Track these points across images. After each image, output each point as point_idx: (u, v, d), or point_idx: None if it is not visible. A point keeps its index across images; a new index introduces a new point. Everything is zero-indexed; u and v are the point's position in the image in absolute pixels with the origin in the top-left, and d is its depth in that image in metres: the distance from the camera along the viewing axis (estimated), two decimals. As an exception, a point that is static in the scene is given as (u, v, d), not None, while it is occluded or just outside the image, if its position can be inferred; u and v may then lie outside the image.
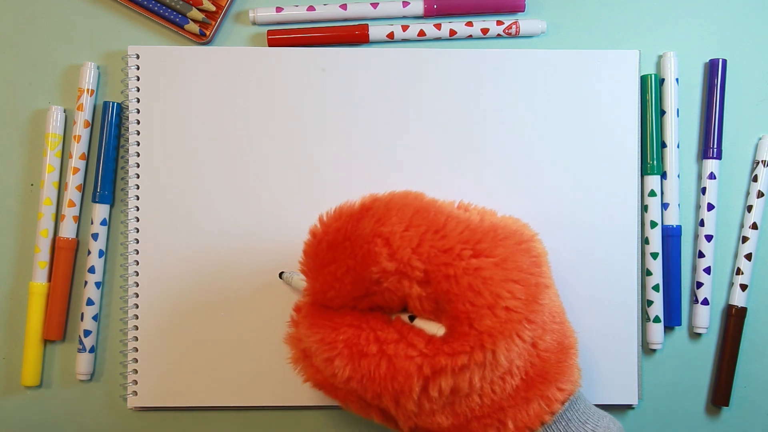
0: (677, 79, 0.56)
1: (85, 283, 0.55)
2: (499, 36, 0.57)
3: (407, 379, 0.41)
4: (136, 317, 0.54)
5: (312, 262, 0.44)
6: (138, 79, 0.55)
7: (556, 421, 0.43)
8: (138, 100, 0.55)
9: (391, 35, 0.56)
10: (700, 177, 0.57)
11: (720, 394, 0.56)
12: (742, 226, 0.57)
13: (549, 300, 0.44)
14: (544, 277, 0.43)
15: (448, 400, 0.42)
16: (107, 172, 0.55)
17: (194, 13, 0.56)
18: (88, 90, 0.55)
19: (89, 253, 0.55)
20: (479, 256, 0.41)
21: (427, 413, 0.42)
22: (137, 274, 0.54)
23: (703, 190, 0.56)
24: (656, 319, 0.55)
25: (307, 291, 0.45)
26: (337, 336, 0.42)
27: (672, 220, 0.56)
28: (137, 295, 0.54)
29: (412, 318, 0.43)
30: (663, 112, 0.56)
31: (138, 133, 0.55)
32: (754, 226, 0.56)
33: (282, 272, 0.54)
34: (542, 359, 0.43)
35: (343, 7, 0.56)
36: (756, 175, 0.56)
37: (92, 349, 0.55)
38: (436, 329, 0.42)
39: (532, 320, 0.41)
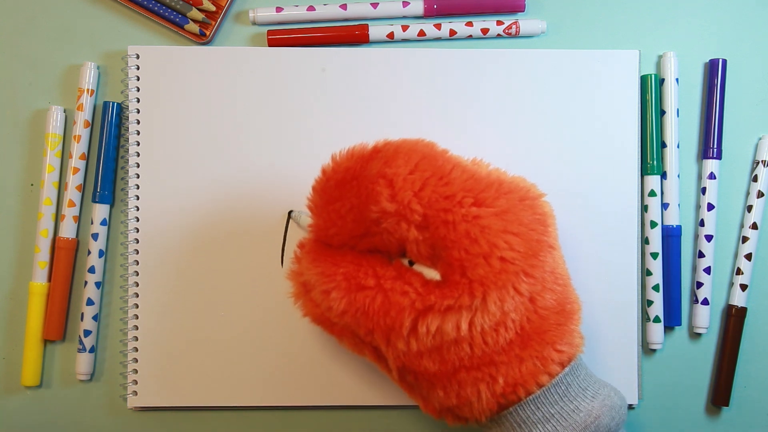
0: (677, 79, 0.56)
1: (85, 283, 0.55)
2: (499, 36, 0.57)
3: (399, 313, 0.41)
4: (136, 317, 0.54)
5: (319, 198, 0.45)
6: (138, 79, 0.55)
7: (555, 384, 0.43)
8: (138, 100, 0.55)
9: (391, 35, 0.56)
10: (700, 177, 0.57)
11: (720, 394, 0.56)
12: (742, 226, 0.57)
13: (552, 260, 0.44)
14: (547, 236, 0.43)
15: (436, 344, 0.42)
16: (107, 172, 0.55)
17: (194, 13, 0.56)
18: (88, 90, 0.55)
19: (89, 253, 0.55)
20: (480, 205, 0.42)
21: (415, 354, 0.43)
22: (137, 274, 0.54)
23: (703, 190, 0.56)
24: (656, 319, 0.55)
25: (312, 228, 0.46)
26: (336, 269, 0.43)
27: (672, 220, 0.56)
28: (137, 295, 0.54)
29: (410, 263, 0.44)
30: (663, 112, 0.56)
31: (138, 133, 0.55)
32: (754, 226, 0.56)
33: (291, 211, 0.54)
34: (540, 317, 0.43)
35: (343, 7, 0.56)
36: (756, 175, 0.56)
37: (92, 349, 0.55)
38: (433, 275, 0.43)
39: (531, 274, 0.42)
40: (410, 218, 0.42)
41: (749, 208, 0.56)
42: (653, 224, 0.55)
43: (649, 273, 0.55)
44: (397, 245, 0.43)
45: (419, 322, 0.41)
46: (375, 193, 0.42)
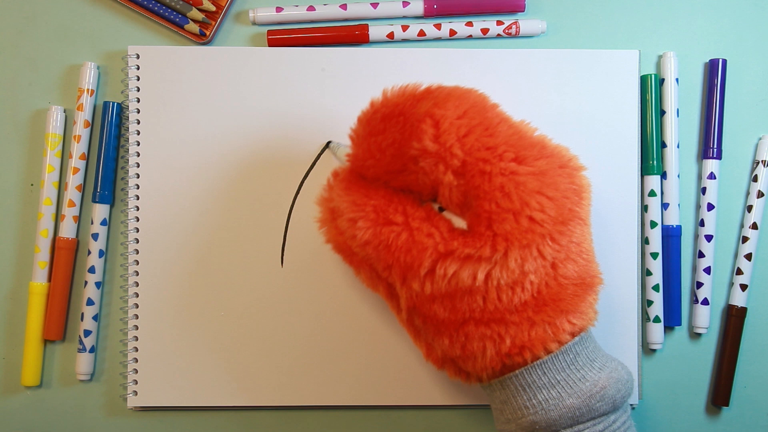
0: (677, 79, 0.56)
1: (85, 283, 0.55)
2: (499, 36, 0.57)
3: (420, 253, 0.42)
4: (136, 317, 0.54)
5: (362, 128, 0.45)
6: (138, 79, 0.55)
7: (563, 352, 0.43)
8: (138, 100, 0.55)
9: (391, 35, 0.56)
10: (700, 177, 0.57)
11: (720, 394, 0.56)
12: (742, 226, 0.57)
13: (580, 232, 0.43)
14: (580, 207, 0.43)
15: (450, 290, 0.42)
16: (107, 172, 0.55)
17: (194, 13, 0.56)
18: (88, 90, 0.55)
19: (89, 253, 0.55)
20: (520, 162, 0.42)
21: (427, 297, 0.43)
22: (137, 274, 0.54)
23: (703, 190, 0.56)
24: (656, 319, 0.55)
25: (349, 157, 0.46)
26: (368, 201, 0.44)
27: (672, 220, 0.56)
28: (137, 295, 0.54)
29: (440, 210, 0.45)
30: (663, 112, 0.56)
31: (138, 133, 0.55)
32: (754, 226, 0.56)
33: (330, 141, 0.54)
34: (559, 284, 0.43)
35: (343, 7, 0.56)
36: (756, 175, 0.56)
37: (92, 349, 0.55)
38: (460, 224, 0.43)
39: (557, 240, 0.42)
40: (449, 162, 0.42)
41: (749, 208, 0.56)
42: (653, 224, 0.55)
43: (649, 273, 0.55)
44: (429, 187, 0.44)
45: (438, 264, 0.42)
46: (420, 130, 0.42)
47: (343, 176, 0.46)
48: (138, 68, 0.55)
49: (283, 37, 0.56)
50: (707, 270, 0.56)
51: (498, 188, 0.41)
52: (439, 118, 0.42)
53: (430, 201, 0.45)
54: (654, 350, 0.56)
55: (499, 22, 0.56)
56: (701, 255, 0.56)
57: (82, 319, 0.55)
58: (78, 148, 0.55)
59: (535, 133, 0.44)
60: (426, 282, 0.42)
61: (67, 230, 0.55)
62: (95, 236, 0.55)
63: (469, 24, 0.56)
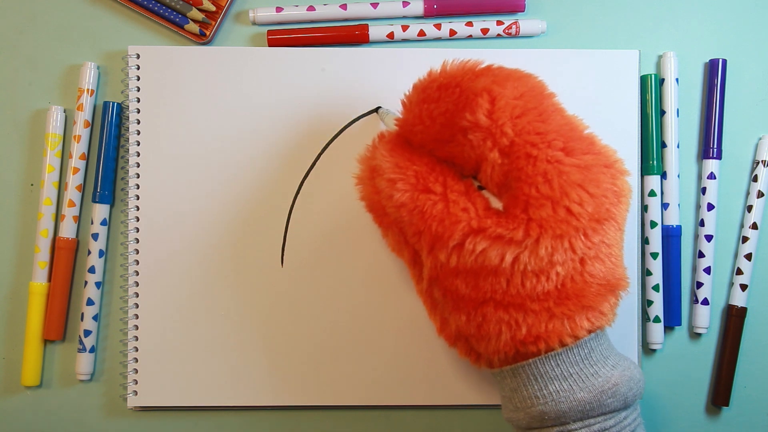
0: (677, 79, 0.56)
1: (85, 283, 0.55)
2: (499, 36, 0.57)
3: (453, 224, 0.42)
4: (136, 317, 0.54)
5: (417, 95, 0.45)
6: (138, 79, 0.55)
7: (578, 346, 0.43)
8: (138, 100, 0.55)
9: (391, 35, 0.56)
10: (700, 177, 0.57)
11: (720, 394, 0.56)
12: (742, 226, 0.57)
13: (613, 235, 0.43)
14: (617, 210, 0.43)
15: (476, 266, 0.42)
16: (107, 172, 0.55)
17: (194, 13, 0.56)
18: (88, 90, 0.55)
19: (89, 253, 0.55)
20: (567, 153, 0.42)
21: (451, 270, 0.43)
22: (137, 274, 0.54)
23: (703, 190, 0.56)
24: (656, 319, 0.55)
25: (399, 121, 0.47)
26: (410, 165, 0.44)
27: (672, 220, 0.56)
28: (137, 295, 0.54)
29: (480, 188, 0.45)
30: (663, 112, 0.56)
31: (138, 133, 0.55)
32: (754, 226, 0.56)
33: (379, 107, 0.54)
34: (585, 281, 0.42)
35: (343, 7, 0.56)
36: (756, 175, 0.56)
37: (92, 349, 0.55)
38: (497, 205, 0.43)
39: (589, 237, 0.41)
40: (498, 139, 0.42)
41: (749, 208, 0.56)
42: (653, 224, 0.55)
43: (649, 273, 0.55)
44: (473, 162, 0.44)
45: (468, 239, 0.42)
46: (475, 103, 0.42)
47: (389, 138, 0.47)
48: (138, 68, 0.55)
49: (283, 37, 0.56)
50: (707, 270, 0.56)
51: (541, 174, 0.41)
52: (496, 95, 0.42)
53: (471, 177, 0.45)
54: (654, 350, 0.56)
55: (499, 22, 0.56)
56: (701, 255, 0.56)
57: (82, 319, 0.55)
58: (78, 148, 0.55)
59: (586, 130, 0.44)
60: (453, 254, 0.42)
61: (67, 230, 0.55)
62: (95, 236, 0.55)
63: (469, 24, 0.56)
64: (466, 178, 0.45)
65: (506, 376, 0.45)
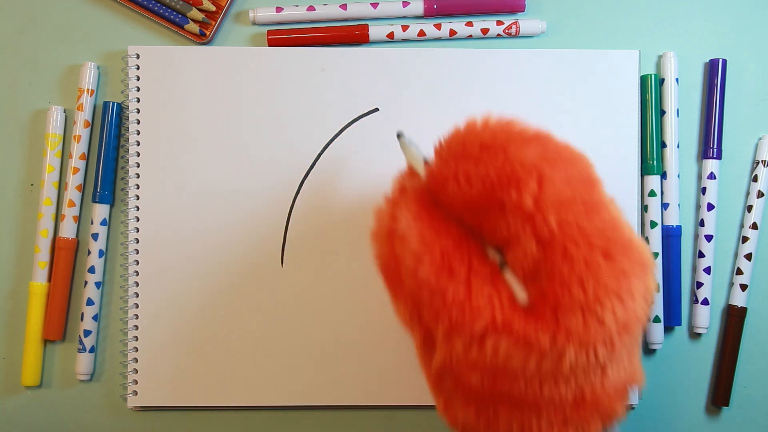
0: (677, 79, 0.56)
1: (85, 283, 0.55)
2: (499, 36, 0.57)
3: (476, 315, 0.38)
4: (136, 317, 0.54)
5: (455, 149, 0.41)
6: (138, 79, 0.55)
7: None
8: (138, 100, 0.55)
9: (391, 35, 0.56)
10: (700, 177, 0.57)
11: (720, 394, 0.56)
12: (742, 226, 0.57)
13: (636, 338, 0.41)
14: (645, 314, 0.40)
15: (495, 365, 0.39)
16: (107, 172, 0.55)
17: (194, 13, 0.56)
18: (88, 90, 0.55)
19: (89, 253, 0.55)
20: (607, 258, 0.38)
21: (468, 364, 0.39)
22: (137, 274, 0.54)
23: (703, 190, 0.56)
24: (656, 319, 0.55)
25: (429, 172, 0.42)
26: (437, 239, 0.40)
27: (672, 220, 0.56)
28: (137, 295, 0.54)
29: (502, 266, 0.41)
30: (663, 112, 0.56)
31: (138, 133, 0.55)
32: (754, 226, 0.56)
33: (401, 133, 0.46)
34: (604, 391, 0.40)
35: (343, 7, 0.56)
36: (756, 175, 0.56)
37: (92, 349, 0.55)
38: (519, 293, 0.40)
39: (615, 346, 0.38)
40: (539, 228, 0.38)
41: (749, 208, 0.56)
42: (653, 224, 0.55)
43: (649, 273, 0.55)
44: (501, 239, 0.40)
45: (489, 337, 0.38)
46: (522, 182, 0.38)
47: (414, 197, 0.42)
48: (138, 68, 0.55)
49: (283, 37, 0.56)
50: (707, 270, 0.56)
51: (577, 275, 0.37)
52: (546, 177, 0.38)
53: (493, 249, 0.42)
54: (654, 350, 0.56)
55: (499, 22, 0.56)
56: (701, 255, 0.56)
57: (82, 319, 0.55)
58: (78, 148, 0.55)
59: (625, 222, 0.41)
60: (472, 347, 0.39)
61: (67, 230, 0.55)
62: (95, 236, 0.55)
63: (469, 24, 0.56)
64: (491, 251, 0.41)
65: None
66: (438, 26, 0.56)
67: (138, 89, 0.55)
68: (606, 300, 0.38)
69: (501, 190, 0.39)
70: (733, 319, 0.56)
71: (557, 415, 0.40)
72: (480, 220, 0.40)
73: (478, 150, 0.40)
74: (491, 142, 0.40)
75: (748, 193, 0.57)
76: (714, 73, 0.56)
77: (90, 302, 0.55)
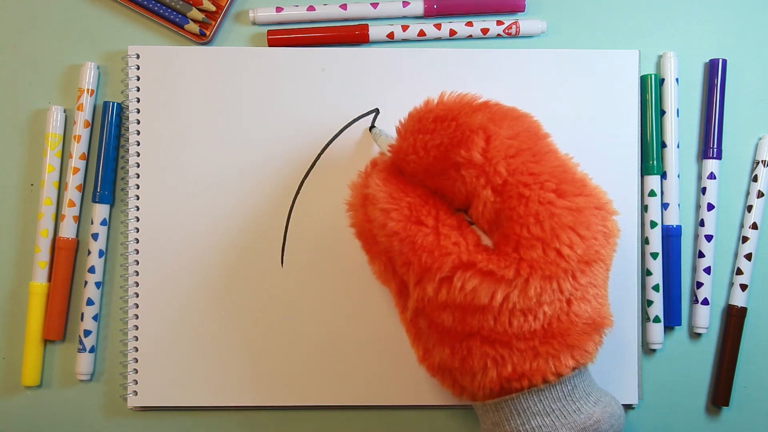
0: (677, 79, 0.56)
1: (85, 283, 0.55)
2: (499, 36, 0.57)
3: (443, 257, 0.42)
4: (136, 317, 0.54)
5: (413, 124, 0.45)
6: (138, 79, 0.55)
7: (561, 383, 0.43)
8: (138, 100, 0.55)
9: (391, 35, 0.56)
10: (700, 177, 0.57)
11: (720, 394, 0.56)
12: (742, 226, 0.57)
13: (600, 276, 0.44)
14: (605, 251, 0.43)
15: (464, 303, 0.42)
16: (107, 172, 0.55)
17: (194, 13, 0.56)
18: (88, 90, 0.55)
19: (89, 253, 0.55)
20: (559, 195, 0.42)
21: (438, 304, 0.43)
22: (137, 274, 0.54)
23: (703, 190, 0.56)
24: (656, 319, 0.55)
25: (392, 148, 0.47)
26: (404, 196, 0.44)
27: (672, 220, 0.56)
28: (137, 295, 0.54)
29: (470, 224, 0.45)
30: (663, 112, 0.56)
31: (138, 133, 0.55)
32: (754, 226, 0.56)
33: (373, 126, 0.54)
34: (570, 321, 0.43)
35: (343, 7, 0.56)
36: (756, 175, 0.56)
37: (92, 349, 0.55)
38: (486, 242, 0.44)
39: (577, 279, 0.42)
40: (491, 177, 0.42)
41: (749, 208, 0.56)
42: (653, 224, 0.55)
43: (649, 273, 0.55)
44: (463, 198, 0.44)
45: (457, 273, 0.42)
46: (470, 140, 0.42)
47: (382, 167, 0.47)
48: (138, 68, 0.55)
49: (283, 37, 0.56)
50: (707, 270, 0.56)
51: (533, 214, 0.41)
52: (492, 134, 0.42)
53: (462, 211, 0.45)
54: (654, 350, 0.56)
55: (499, 22, 0.56)
56: (701, 255, 0.56)
57: (82, 319, 0.55)
58: (78, 148, 0.55)
59: (578, 168, 0.45)
60: (442, 288, 0.42)
61: (67, 230, 0.55)
62: (95, 236, 0.55)
63: (469, 24, 0.56)
64: (458, 212, 0.45)
65: (489, 410, 0.45)
66: (438, 26, 0.56)
67: (138, 89, 0.55)
68: (562, 233, 0.41)
69: (454, 152, 0.43)
70: (733, 319, 0.56)
71: (527, 349, 0.42)
72: (441, 182, 0.45)
73: (432, 122, 0.44)
74: (444, 114, 0.44)
75: (748, 193, 0.57)
76: (714, 73, 0.56)
77: (90, 302, 0.55)
